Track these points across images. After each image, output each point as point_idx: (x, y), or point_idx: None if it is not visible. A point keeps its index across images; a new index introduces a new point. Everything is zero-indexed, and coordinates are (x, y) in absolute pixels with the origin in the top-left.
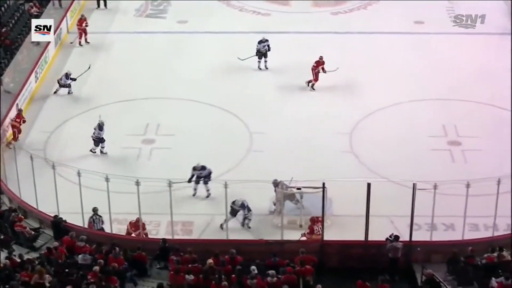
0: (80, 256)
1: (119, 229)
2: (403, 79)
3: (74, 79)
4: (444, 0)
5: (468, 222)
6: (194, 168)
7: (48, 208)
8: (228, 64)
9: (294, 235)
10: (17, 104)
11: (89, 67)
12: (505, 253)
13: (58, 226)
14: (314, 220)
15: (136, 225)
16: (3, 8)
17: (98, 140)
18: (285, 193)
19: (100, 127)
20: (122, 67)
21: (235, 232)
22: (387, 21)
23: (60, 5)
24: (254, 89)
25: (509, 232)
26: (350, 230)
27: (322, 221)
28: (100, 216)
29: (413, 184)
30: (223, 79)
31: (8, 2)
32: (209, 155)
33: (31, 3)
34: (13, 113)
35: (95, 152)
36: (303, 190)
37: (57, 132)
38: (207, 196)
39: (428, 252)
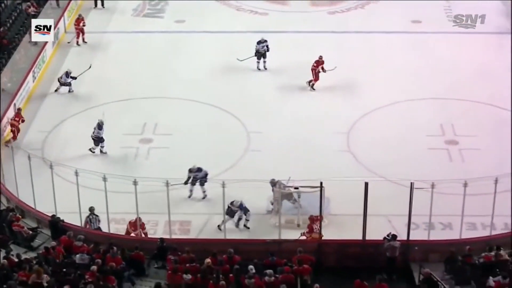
0: (77, 255)
1: (117, 228)
2: (401, 78)
3: (75, 78)
4: (442, 0)
5: (465, 221)
6: (190, 170)
7: (45, 208)
8: (226, 63)
9: (292, 235)
10: (14, 104)
11: (90, 67)
12: (502, 252)
13: (56, 225)
14: (313, 219)
15: (136, 224)
16: (0, 8)
17: (98, 140)
18: (282, 193)
19: (100, 126)
20: (119, 67)
21: (233, 231)
22: (384, 20)
23: (58, 4)
24: (251, 88)
25: (507, 231)
26: (348, 229)
27: (320, 221)
28: (97, 216)
29: (411, 183)
30: (221, 79)
31: (5, 1)
32: (206, 154)
33: (28, 3)
34: (10, 112)
35: (94, 152)
36: (300, 189)
37: (55, 132)
38: (203, 198)
39: (425, 251)
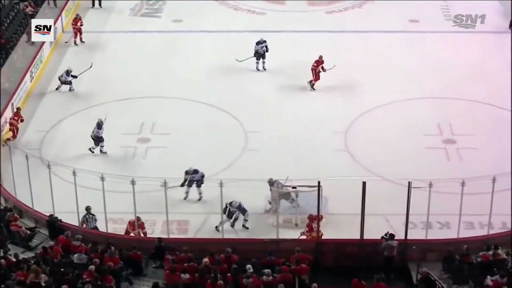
0: (75, 255)
1: (115, 228)
2: (398, 77)
3: (75, 77)
4: (439, 0)
5: (463, 220)
6: (187, 172)
7: (43, 208)
8: (224, 63)
9: (290, 234)
10: (12, 104)
11: (91, 66)
12: (500, 251)
13: (54, 225)
14: (312, 218)
15: (137, 224)
16: None
17: (97, 139)
18: (280, 192)
19: (99, 126)
20: (117, 66)
21: (231, 231)
22: (382, 19)
23: (55, 4)
24: (249, 88)
25: (504, 230)
26: (346, 228)
27: (318, 220)
28: (93, 215)
29: (408, 182)
30: (218, 78)
31: (3, 1)
32: (204, 154)
33: (26, 2)
34: (8, 112)
35: (94, 152)
36: (298, 188)
37: (53, 132)
38: (199, 199)
39: (423, 251)
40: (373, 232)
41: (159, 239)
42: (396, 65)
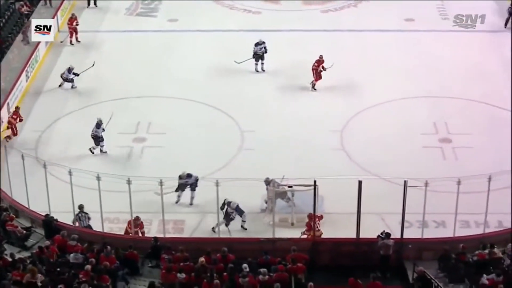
0: (71, 255)
1: (111, 228)
2: (394, 76)
3: (77, 74)
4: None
5: (459, 219)
6: (180, 177)
7: (39, 207)
8: (220, 62)
9: (286, 233)
10: (8, 103)
11: (93, 64)
12: (496, 250)
13: (50, 225)
14: (311, 217)
15: (135, 224)
16: None
17: (96, 139)
18: (276, 191)
19: (98, 125)
20: (112, 66)
21: (227, 230)
22: (377, 18)
23: (51, 4)
24: (244, 87)
25: (500, 229)
26: (342, 227)
27: (314, 219)
28: (86, 213)
29: (404, 181)
30: (214, 77)
31: None
32: (200, 153)
33: (21, 2)
34: (4, 111)
35: (94, 152)
36: (294, 188)
37: (49, 131)
38: (191, 204)
39: (419, 249)
40: (369, 231)
41: (155, 238)
42: (392, 64)
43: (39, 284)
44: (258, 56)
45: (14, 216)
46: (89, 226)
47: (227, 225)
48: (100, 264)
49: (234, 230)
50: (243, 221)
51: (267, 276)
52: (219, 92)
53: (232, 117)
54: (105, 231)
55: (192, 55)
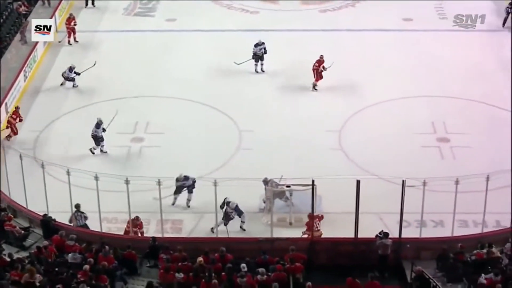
0: (70, 255)
1: (109, 227)
2: (392, 76)
3: (78, 73)
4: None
5: (457, 218)
6: (177, 180)
7: (37, 207)
8: (218, 62)
9: (284, 233)
10: (6, 103)
11: (94, 63)
12: (494, 249)
13: (48, 225)
14: (311, 217)
15: (135, 223)
16: None
17: (95, 138)
18: (275, 191)
19: (98, 125)
20: (110, 66)
21: (225, 230)
22: (375, 18)
23: (49, 4)
24: (243, 87)
25: (498, 228)
26: (340, 227)
27: (312, 219)
28: (83, 213)
29: (403, 181)
30: (212, 77)
31: None
32: (198, 153)
33: (19, 2)
34: (2, 111)
35: (94, 152)
36: (292, 187)
37: (47, 131)
38: (188, 206)
39: (417, 249)
40: (367, 231)
41: (153, 238)
42: (390, 64)
43: (37, 284)
44: (258, 57)
45: (12, 216)
46: (85, 226)
47: (225, 224)
48: (98, 264)
49: (232, 230)
50: (242, 221)
51: (265, 276)
52: (217, 92)
53: (230, 117)
54: (103, 231)
55: (190, 55)
